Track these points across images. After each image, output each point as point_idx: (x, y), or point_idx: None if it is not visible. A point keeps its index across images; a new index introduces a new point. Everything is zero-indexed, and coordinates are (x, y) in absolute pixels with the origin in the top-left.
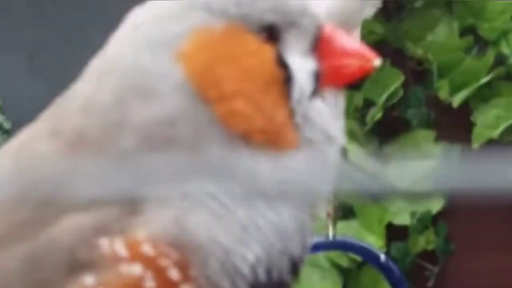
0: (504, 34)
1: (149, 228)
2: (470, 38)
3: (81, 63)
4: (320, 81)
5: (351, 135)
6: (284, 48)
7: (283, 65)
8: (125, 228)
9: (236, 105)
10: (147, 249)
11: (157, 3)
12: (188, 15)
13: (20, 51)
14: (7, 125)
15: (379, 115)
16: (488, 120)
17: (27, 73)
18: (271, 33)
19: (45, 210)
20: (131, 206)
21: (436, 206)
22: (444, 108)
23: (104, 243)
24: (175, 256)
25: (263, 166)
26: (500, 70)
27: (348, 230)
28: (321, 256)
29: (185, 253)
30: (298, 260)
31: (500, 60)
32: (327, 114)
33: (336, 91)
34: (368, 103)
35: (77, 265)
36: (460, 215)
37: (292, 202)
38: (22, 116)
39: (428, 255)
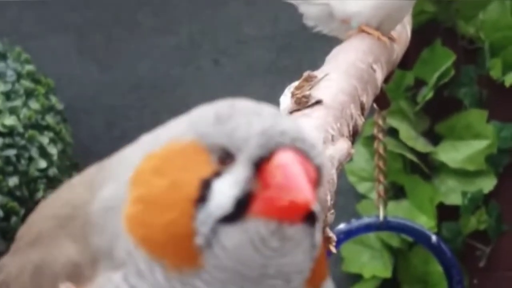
0: None
1: None
2: None
3: (130, 44)
4: (249, 208)
5: (402, 114)
6: (225, 170)
7: (206, 186)
8: (85, 279)
9: (137, 210)
10: None
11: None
12: (177, 127)
13: (71, 32)
14: (59, 106)
15: (430, 95)
16: None
17: (77, 54)
18: (225, 156)
19: (56, 230)
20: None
21: (488, 185)
22: (496, 87)
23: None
24: None
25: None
26: None
27: (399, 211)
28: (372, 236)
29: None
30: None
31: None
32: (247, 245)
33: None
34: (419, 83)
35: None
36: None
37: None
38: (74, 97)
39: (479, 235)
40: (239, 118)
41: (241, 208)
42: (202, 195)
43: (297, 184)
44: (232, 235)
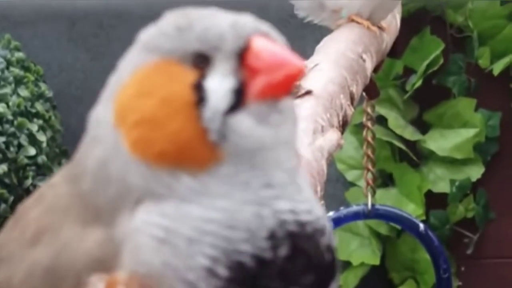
0: None
1: (126, 268)
2: (511, 6)
3: (120, 32)
4: (246, 95)
5: (390, 103)
6: (209, 72)
7: (199, 88)
8: (112, 266)
9: (138, 133)
10: None
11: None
12: (134, 57)
13: (61, 19)
14: (49, 93)
15: (419, 83)
16: None
17: (67, 41)
18: (200, 60)
19: (59, 222)
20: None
21: (475, 173)
22: (484, 76)
23: (92, 281)
24: None
25: (185, 183)
26: None
27: (387, 199)
28: (360, 224)
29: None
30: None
31: None
32: (256, 125)
33: (277, 100)
34: (408, 71)
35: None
36: (499, 183)
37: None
38: (64, 85)
39: (467, 223)
40: (202, 22)
41: (239, 97)
42: (199, 97)
43: (285, 58)
44: (240, 121)
